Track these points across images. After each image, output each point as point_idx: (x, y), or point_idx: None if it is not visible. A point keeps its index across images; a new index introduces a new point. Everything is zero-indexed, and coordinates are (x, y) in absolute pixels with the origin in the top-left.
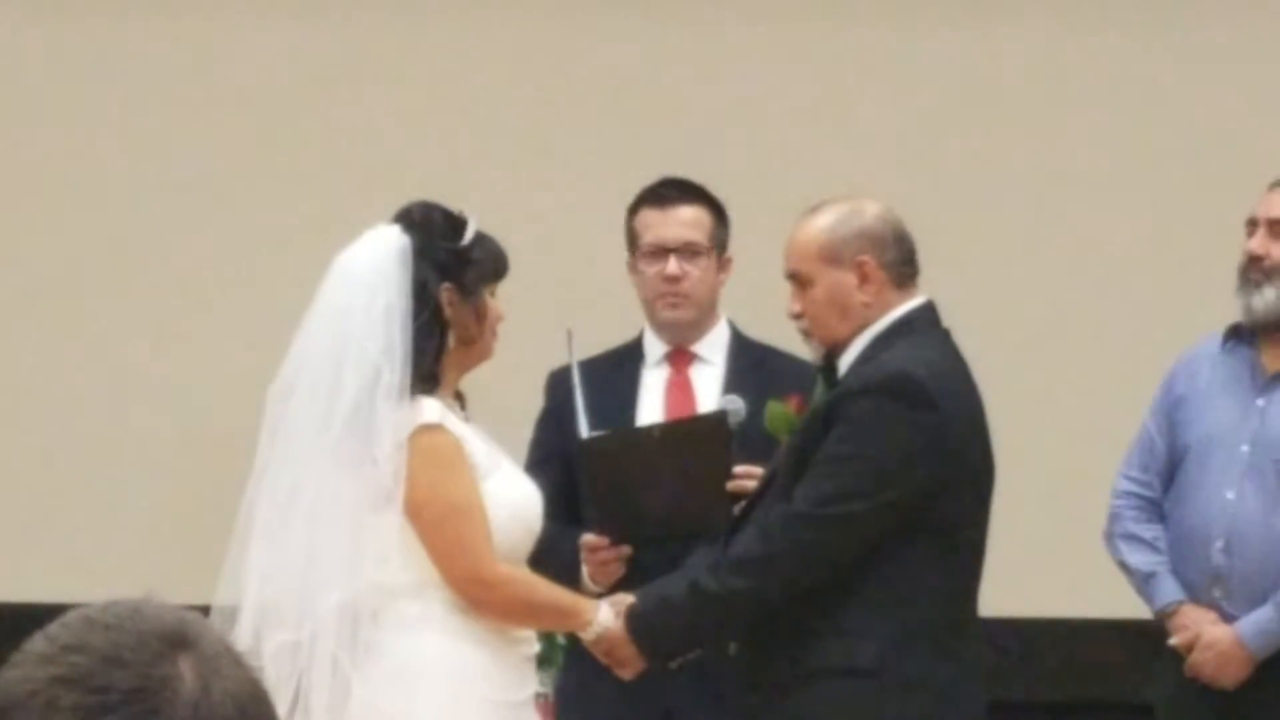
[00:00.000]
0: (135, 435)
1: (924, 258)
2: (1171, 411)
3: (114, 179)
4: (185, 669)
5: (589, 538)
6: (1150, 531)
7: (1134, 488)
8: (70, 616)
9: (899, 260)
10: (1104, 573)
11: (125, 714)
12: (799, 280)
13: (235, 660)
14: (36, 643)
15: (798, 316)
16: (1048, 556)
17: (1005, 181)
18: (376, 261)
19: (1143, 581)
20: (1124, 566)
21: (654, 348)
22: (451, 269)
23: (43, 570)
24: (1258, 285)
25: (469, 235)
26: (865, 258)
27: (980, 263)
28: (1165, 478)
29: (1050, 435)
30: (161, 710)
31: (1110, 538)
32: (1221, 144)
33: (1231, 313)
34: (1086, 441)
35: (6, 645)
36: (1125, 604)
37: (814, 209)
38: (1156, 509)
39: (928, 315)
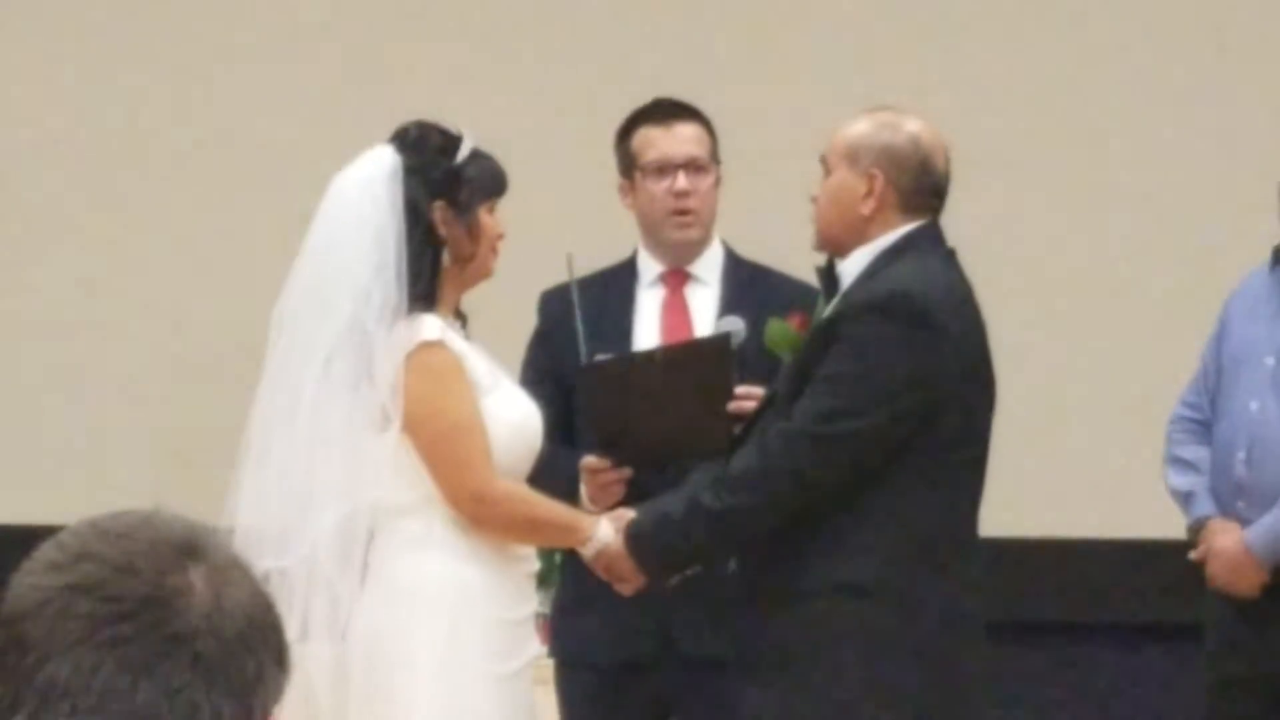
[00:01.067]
0: (139, 358)
1: None
2: (1218, 334)
3: (108, 102)
4: (196, 579)
5: (590, 460)
6: (1194, 453)
7: (1185, 411)
8: (80, 525)
9: (914, 188)
10: (1117, 493)
11: (138, 623)
12: (824, 166)
13: (244, 571)
14: (47, 550)
15: (814, 200)
16: (1054, 476)
17: (1016, 101)
18: (368, 182)
19: (1183, 503)
20: (1170, 490)
21: (649, 268)
22: (444, 187)
23: (43, 493)
24: None
25: (463, 153)
26: (877, 173)
27: (987, 185)
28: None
29: (1061, 356)
30: (173, 620)
31: (1164, 463)
32: (1258, 71)
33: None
34: (1098, 366)
35: (9, 566)
36: (1140, 524)
37: (869, 108)
38: (1206, 430)
39: (931, 234)
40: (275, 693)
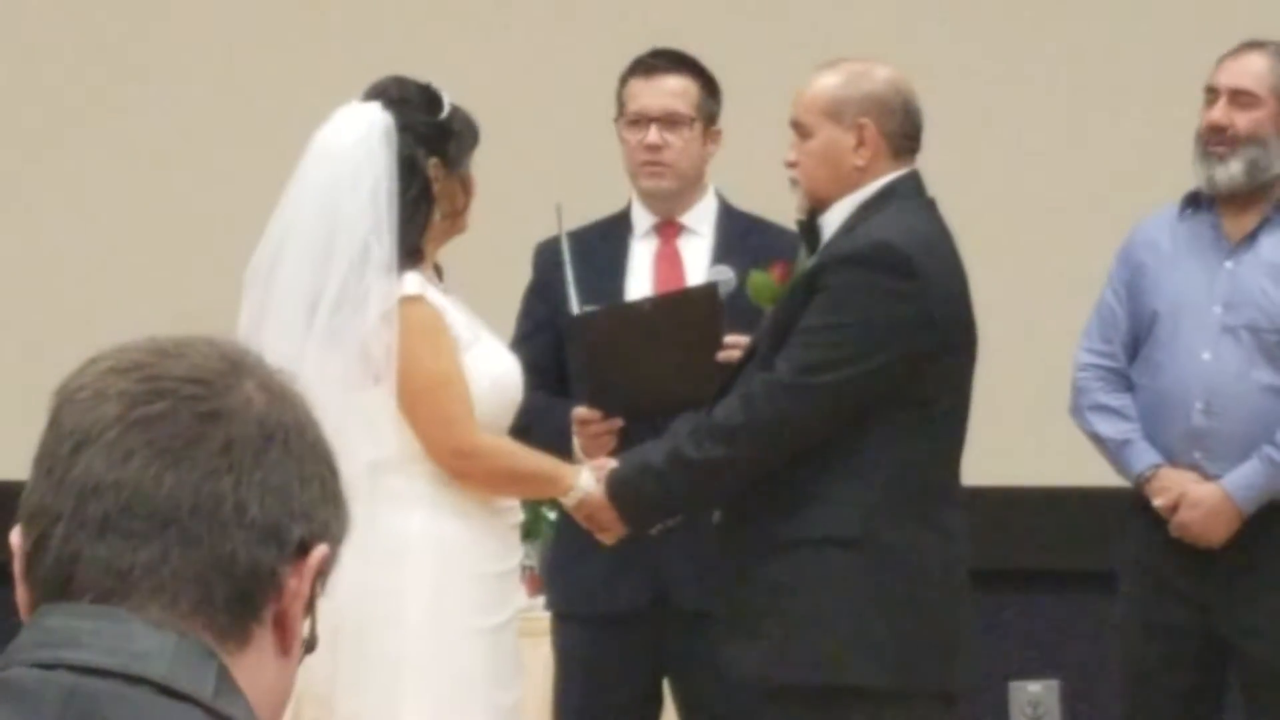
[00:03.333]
0: (111, 318)
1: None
2: (1132, 281)
3: (78, 65)
4: (249, 385)
5: (581, 411)
6: (1119, 400)
7: (1097, 359)
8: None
9: (901, 131)
10: (1080, 441)
11: (173, 399)
12: (799, 130)
13: (302, 400)
14: (94, 358)
15: (791, 165)
16: (1027, 425)
17: (991, 56)
18: (361, 139)
19: (1116, 450)
20: (1095, 437)
21: (642, 219)
22: (436, 142)
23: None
24: (1221, 158)
25: (447, 107)
26: (866, 121)
27: (959, 136)
28: (1129, 348)
29: (1031, 303)
30: (211, 399)
31: (1079, 410)
32: (1173, 9)
33: (1185, 181)
34: (1066, 310)
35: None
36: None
37: (828, 64)
38: (1123, 379)
39: (912, 184)
40: (324, 528)
